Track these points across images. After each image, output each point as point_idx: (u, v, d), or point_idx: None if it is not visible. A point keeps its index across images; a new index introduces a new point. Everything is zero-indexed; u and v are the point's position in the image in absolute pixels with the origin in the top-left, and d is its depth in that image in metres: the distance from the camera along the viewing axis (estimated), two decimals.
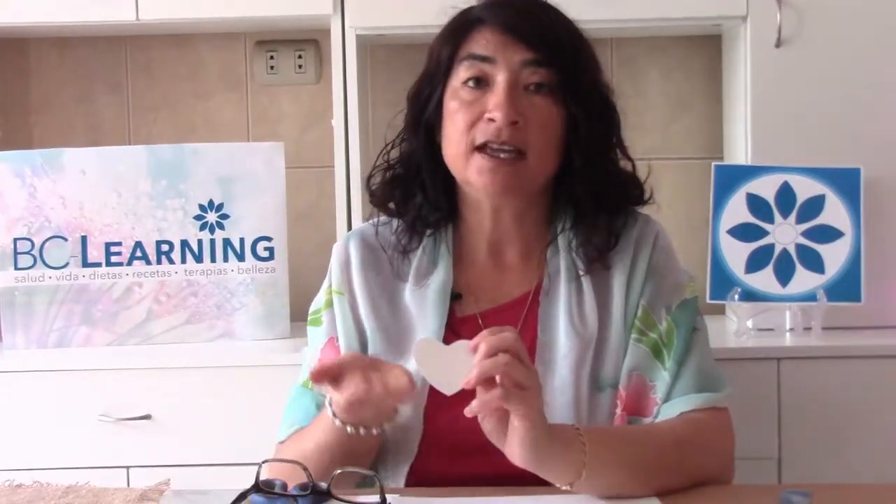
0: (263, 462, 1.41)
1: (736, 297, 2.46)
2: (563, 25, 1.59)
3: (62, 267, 2.50)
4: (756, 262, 2.48)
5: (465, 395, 1.37)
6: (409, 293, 1.64)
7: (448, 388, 1.35)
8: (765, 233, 2.48)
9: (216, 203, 2.51)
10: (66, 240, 2.50)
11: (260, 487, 1.38)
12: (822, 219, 2.46)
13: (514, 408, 1.29)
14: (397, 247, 1.66)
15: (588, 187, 1.59)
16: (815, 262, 2.46)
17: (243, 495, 1.36)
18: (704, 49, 2.82)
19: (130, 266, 2.51)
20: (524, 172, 1.55)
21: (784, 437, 2.33)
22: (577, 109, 1.56)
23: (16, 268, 2.50)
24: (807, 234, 2.47)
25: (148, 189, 2.51)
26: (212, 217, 2.51)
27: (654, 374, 1.55)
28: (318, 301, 1.70)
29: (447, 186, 1.63)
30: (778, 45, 2.47)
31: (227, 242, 2.52)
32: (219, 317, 2.52)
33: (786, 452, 2.33)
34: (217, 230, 2.52)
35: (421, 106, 1.62)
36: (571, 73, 1.55)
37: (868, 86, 2.47)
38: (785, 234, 2.48)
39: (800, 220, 2.47)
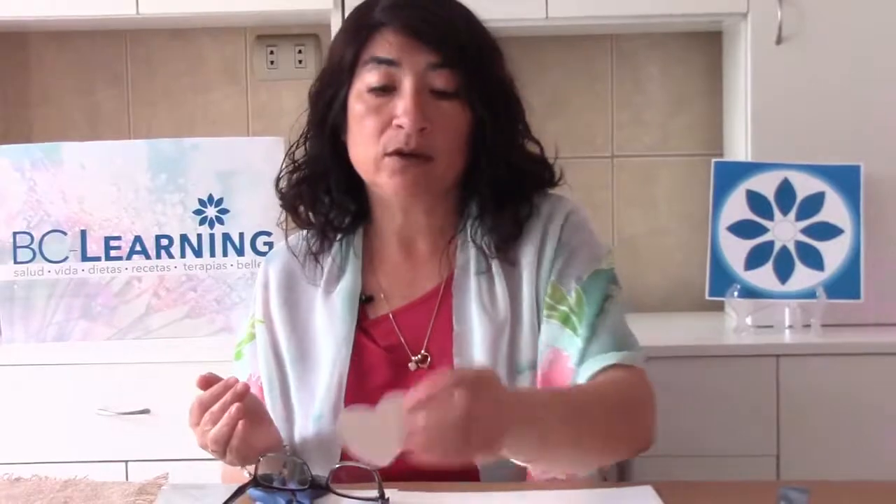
0: (261, 457, 1.41)
1: (735, 293, 2.46)
2: (465, 23, 1.58)
3: (61, 261, 2.51)
4: (755, 259, 2.48)
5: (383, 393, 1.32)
6: (320, 301, 1.63)
7: (382, 460, 1.26)
8: (764, 230, 2.48)
9: (216, 198, 2.52)
10: (65, 234, 2.51)
11: (258, 482, 1.39)
12: (822, 216, 2.46)
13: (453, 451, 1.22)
14: (308, 252, 1.65)
15: (494, 181, 1.58)
16: (814, 260, 2.46)
17: (241, 489, 1.37)
18: (705, 45, 2.82)
19: (130, 260, 2.52)
20: (432, 174, 1.54)
21: (783, 435, 2.34)
22: (484, 112, 1.55)
23: (15, 261, 2.50)
24: (806, 231, 2.47)
25: (147, 183, 2.51)
26: (211, 212, 2.52)
27: (566, 343, 1.53)
28: (241, 332, 1.70)
29: (354, 186, 1.62)
30: (779, 42, 2.47)
31: (226, 237, 2.52)
32: (218, 311, 2.53)
33: (784, 449, 2.34)
34: (217, 224, 2.52)
35: (324, 106, 1.60)
36: (476, 75, 1.55)
37: (869, 83, 2.47)
38: (784, 231, 2.48)
39: (799, 217, 2.47)
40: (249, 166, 2.51)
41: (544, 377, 1.54)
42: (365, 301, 1.62)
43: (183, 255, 2.52)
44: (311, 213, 1.65)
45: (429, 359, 1.57)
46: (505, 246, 1.58)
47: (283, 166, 1.66)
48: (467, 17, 1.60)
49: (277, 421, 1.58)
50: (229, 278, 2.53)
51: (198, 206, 2.52)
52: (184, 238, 2.52)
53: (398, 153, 1.52)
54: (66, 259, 2.51)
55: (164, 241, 2.52)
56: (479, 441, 1.22)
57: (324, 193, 1.63)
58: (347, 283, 1.62)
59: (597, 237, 1.63)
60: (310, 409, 1.58)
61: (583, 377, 1.50)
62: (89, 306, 2.51)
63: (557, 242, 1.58)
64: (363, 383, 1.57)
